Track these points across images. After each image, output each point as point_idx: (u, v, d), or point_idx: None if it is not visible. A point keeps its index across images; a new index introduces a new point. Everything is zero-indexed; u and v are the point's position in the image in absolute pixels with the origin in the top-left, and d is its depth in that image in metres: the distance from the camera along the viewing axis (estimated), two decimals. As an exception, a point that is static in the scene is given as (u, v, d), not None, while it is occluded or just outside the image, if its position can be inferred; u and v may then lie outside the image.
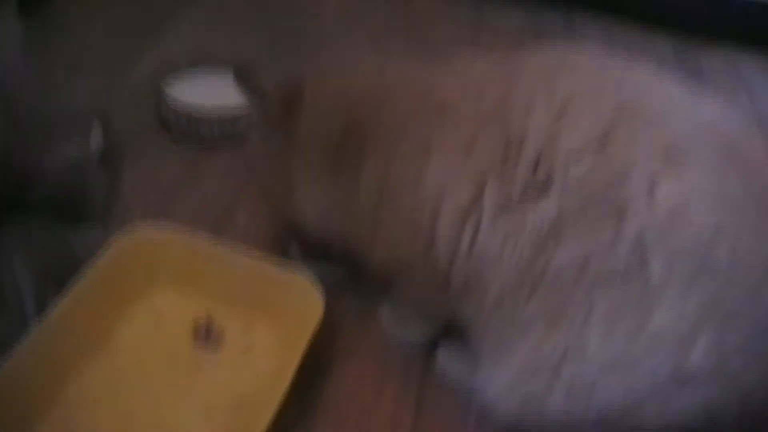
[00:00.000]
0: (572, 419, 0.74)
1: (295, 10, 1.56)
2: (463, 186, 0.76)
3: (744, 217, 0.68)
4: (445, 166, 0.78)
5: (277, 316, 0.91)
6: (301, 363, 0.81)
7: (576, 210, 0.70)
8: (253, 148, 0.96)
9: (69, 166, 1.03)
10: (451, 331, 0.90)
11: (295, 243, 0.98)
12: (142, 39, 1.42)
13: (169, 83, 1.23)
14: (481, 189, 0.75)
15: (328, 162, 0.86)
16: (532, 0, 1.67)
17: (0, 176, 0.96)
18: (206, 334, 0.90)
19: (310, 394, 0.88)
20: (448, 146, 0.78)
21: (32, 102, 1.03)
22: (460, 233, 0.77)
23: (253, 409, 0.82)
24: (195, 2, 1.54)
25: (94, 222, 1.02)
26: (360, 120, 0.84)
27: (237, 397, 0.85)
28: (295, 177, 0.89)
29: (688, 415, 0.69)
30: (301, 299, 0.89)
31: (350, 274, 0.96)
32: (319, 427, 0.85)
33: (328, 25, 1.53)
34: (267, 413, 0.77)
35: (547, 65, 0.79)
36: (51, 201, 0.99)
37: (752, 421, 0.70)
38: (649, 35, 1.64)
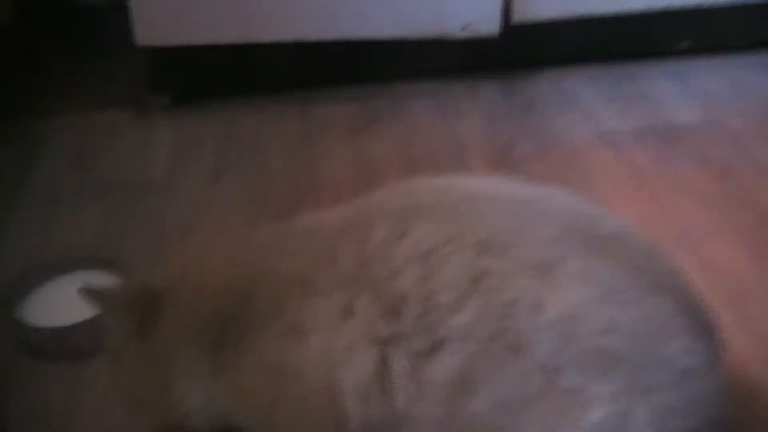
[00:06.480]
0: None
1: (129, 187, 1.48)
2: (359, 354, 0.73)
3: (629, 293, 0.71)
4: (328, 341, 0.74)
5: None
6: None
7: (476, 359, 0.70)
8: (112, 362, 0.91)
9: None
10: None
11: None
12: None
13: (20, 304, 1.15)
14: (380, 353, 0.73)
15: (205, 355, 0.82)
16: (357, 87, 1.69)
17: None
18: None
19: None
20: (322, 321, 0.75)
21: None
22: (372, 403, 0.73)
23: None
24: (20, 207, 1.42)
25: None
26: (225, 311, 0.81)
27: None
28: (171, 377, 0.84)
29: None
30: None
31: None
32: None
33: (159, 178, 1.48)
34: None
35: (394, 207, 0.79)
36: None
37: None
38: (475, 85, 1.69)
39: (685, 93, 1.65)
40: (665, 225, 1.28)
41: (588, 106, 1.61)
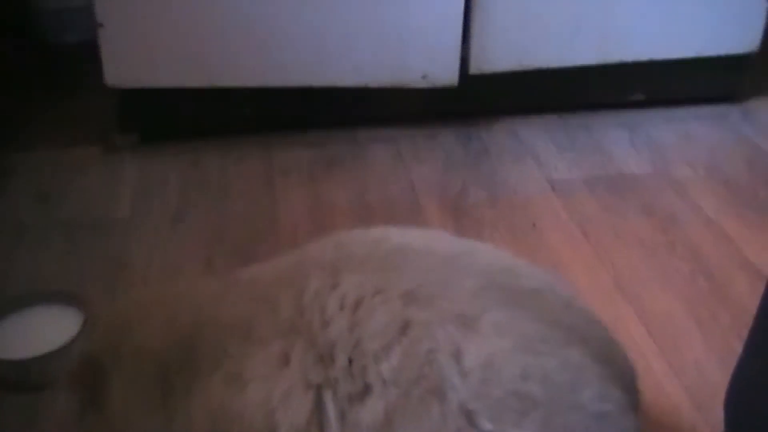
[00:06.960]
0: None
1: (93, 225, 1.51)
2: (295, 400, 0.77)
3: (545, 343, 0.76)
4: (267, 388, 0.78)
5: None
6: None
7: (400, 402, 0.74)
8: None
9: None
10: None
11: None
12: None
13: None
14: (316, 398, 0.76)
15: (157, 409, 0.85)
16: (318, 132, 1.75)
17: None
18: None
19: None
20: (261, 368, 0.79)
21: None
22: None
23: None
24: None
25: None
26: (170, 365, 0.84)
27: None
28: None
29: None
30: None
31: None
32: None
33: (123, 216, 1.52)
34: None
35: (328, 259, 0.84)
36: None
37: None
38: (433, 132, 1.75)
39: (635, 144, 1.72)
40: (607, 273, 1.34)
41: (541, 155, 1.68)
